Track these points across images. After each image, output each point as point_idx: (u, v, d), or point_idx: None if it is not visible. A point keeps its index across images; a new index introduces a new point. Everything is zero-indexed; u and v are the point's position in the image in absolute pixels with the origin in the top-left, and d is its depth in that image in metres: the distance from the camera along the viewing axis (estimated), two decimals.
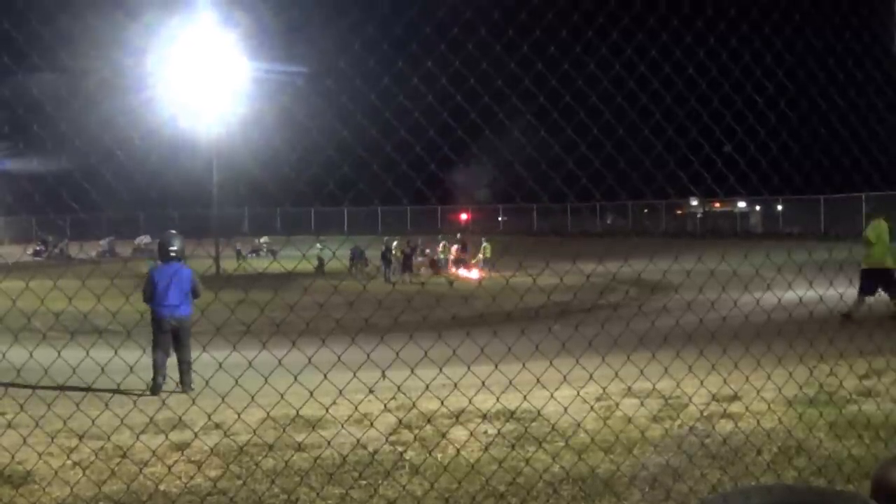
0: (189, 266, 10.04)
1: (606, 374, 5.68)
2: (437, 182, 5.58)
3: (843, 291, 6.22)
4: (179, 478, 5.43)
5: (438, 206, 50.95)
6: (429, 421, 6.42)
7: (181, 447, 5.97)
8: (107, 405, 5.70)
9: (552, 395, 5.87)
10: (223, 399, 5.19)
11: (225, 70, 32.34)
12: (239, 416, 5.36)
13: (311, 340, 5.40)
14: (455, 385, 5.19)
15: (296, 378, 4.88)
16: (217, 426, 6.13)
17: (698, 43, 4.62)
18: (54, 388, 7.00)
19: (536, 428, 6.37)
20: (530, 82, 4.45)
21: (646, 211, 54.27)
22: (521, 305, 6.94)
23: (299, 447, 5.97)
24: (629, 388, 7.02)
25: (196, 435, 6.03)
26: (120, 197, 5.75)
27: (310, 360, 5.00)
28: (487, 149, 6.41)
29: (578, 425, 5.94)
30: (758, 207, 50.06)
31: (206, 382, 5.25)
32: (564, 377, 5.43)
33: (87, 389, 7.19)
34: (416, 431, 6.36)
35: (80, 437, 5.88)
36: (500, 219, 54.24)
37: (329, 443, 5.74)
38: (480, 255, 33.98)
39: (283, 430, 6.13)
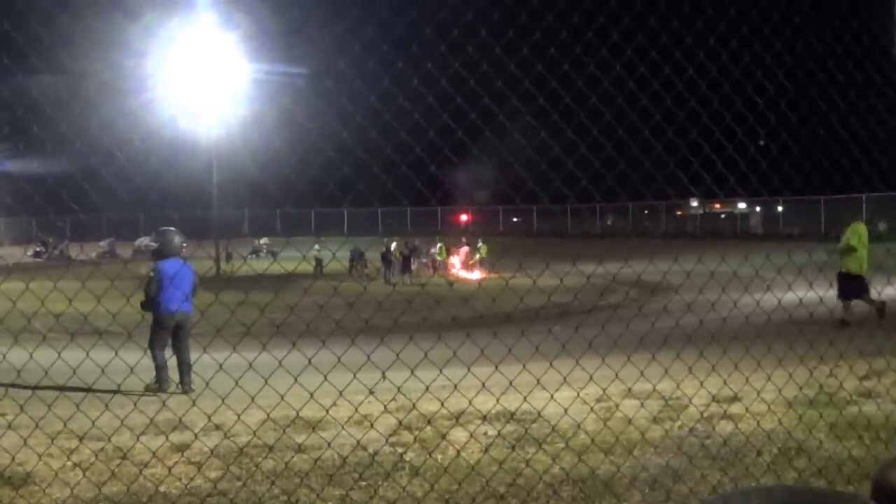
0: (190, 265, 10.01)
1: (606, 375, 5.68)
2: (437, 183, 5.58)
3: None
4: (179, 479, 5.43)
5: (438, 207, 51.00)
6: (429, 422, 6.42)
7: (181, 448, 5.97)
8: (107, 406, 5.70)
9: (552, 397, 5.86)
10: (223, 400, 5.19)
11: (225, 71, 32.35)
12: (239, 418, 5.36)
13: (312, 341, 5.40)
14: (455, 386, 5.19)
15: (296, 379, 4.88)
16: (217, 427, 6.13)
17: (698, 44, 4.63)
18: (54, 389, 7.00)
19: (536, 429, 6.37)
20: (530, 83, 4.45)
21: (646, 212, 54.33)
22: (521, 306, 6.93)
23: (299, 448, 5.96)
24: (629, 390, 7.02)
25: (196, 436, 6.03)
26: (120, 198, 5.76)
27: (310, 361, 5.01)
28: (487, 150, 6.41)
29: (578, 426, 5.94)
30: (758, 208, 50.11)
31: (207, 384, 5.25)
32: (564, 378, 5.42)
33: (88, 390, 7.19)
34: (417, 433, 6.36)
35: (81, 439, 5.88)
36: (514, 220, 54.40)
37: (329, 444, 5.74)
38: (477, 256, 34.08)
39: (284, 432, 6.13)
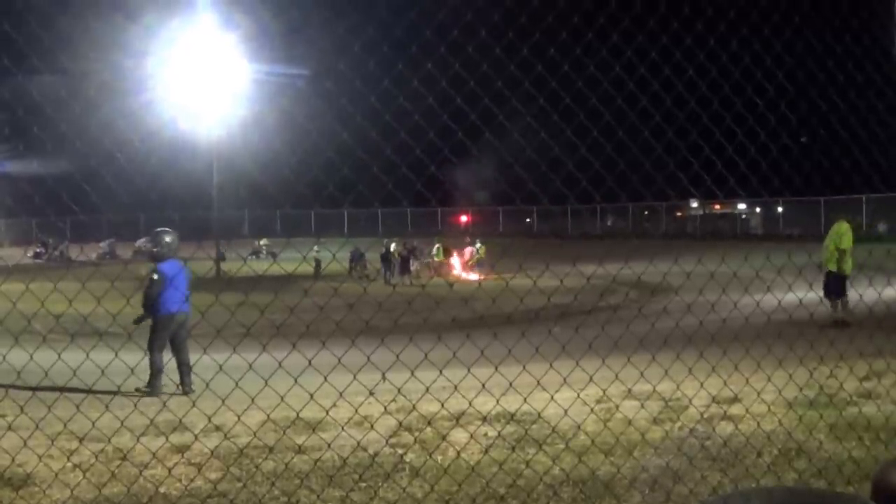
0: (187, 265, 9.99)
1: (607, 376, 5.68)
2: (437, 184, 5.57)
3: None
4: (180, 480, 5.43)
5: (438, 208, 51.02)
6: (429, 423, 6.42)
7: (181, 449, 5.96)
8: (107, 407, 5.70)
9: (552, 398, 5.86)
10: (223, 401, 5.19)
11: (225, 72, 32.34)
12: (239, 419, 5.36)
13: (312, 342, 5.40)
14: (455, 387, 5.19)
15: (296, 380, 4.87)
16: (217, 428, 6.12)
17: (698, 45, 4.62)
18: (54, 391, 7.00)
19: (536, 430, 6.37)
20: (530, 84, 4.45)
21: (646, 213, 54.31)
22: (521, 307, 6.93)
23: (299, 449, 5.96)
24: (629, 390, 7.02)
25: (196, 437, 6.03)
26: (120, 199, 5.75)
27: (310, 362, 5.00)
28: (487, 151, 6.42)
29: (579, 427, 5.94)
30: (758, 209, 50.08)
31: (207, 385, 5.25)
32: (564, 379, 5.42)
33: (88, 391, 7.19)
34: (417, 434, 6.36)
35: (81, 440, 5.88)
36: (527, 220, 54.45)
37: (329, 445, 5.74)
38: (476, 257, 34.12)
39: (284, 433, 6.13)
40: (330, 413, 5.90)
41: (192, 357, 9.15)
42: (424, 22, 4.36)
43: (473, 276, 32.09)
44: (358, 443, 5.75)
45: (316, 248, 28.35)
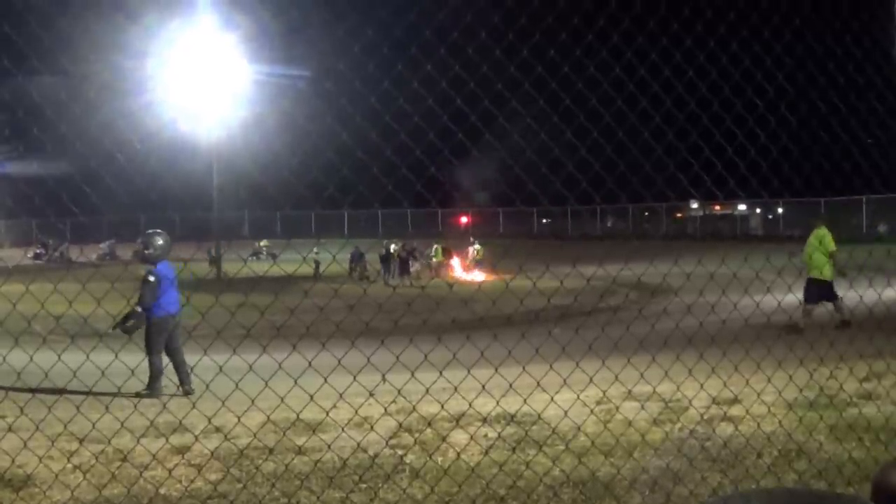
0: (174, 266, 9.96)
1: (607, 377, 5.68)
2: (437, 185, 5.57)
3: (843, 294, 6.21)
4: (180, 481, 5.43)
5: (439, 209, 51.05)
6: (429, 424, 6.42)
7: (181, 451, 5.96)
8: (107, 408, 5.69)
9: (552, 399, 5.86)
10: (223, 403, 5.19)
11: (225, 73, 32.34)
12: (239, 420, 5.36)
13: (312, 344, 5.40)
14: (455, 388, 5.19)
15: (296, 382, 4.87)
16: (217, 430, 6.12)
17: (699, 46, 4.63)
18: (55, 392, 7.00)
19: (537, 431, 6.37)
20: (530, 85, 4.45)
21: (646, 214, 54.33)
22: (521, 309, 6.94)
23: (299, 451, 5.96)
24: (629, 392, 7.02)
25: (196, 438, 6.03)
26: (120, 200, 5.76)
27: (310, 363, 5.00)
28: (488, 152, 6.41)
29: (579, 429, 5.94)
30: (758, 210, 50.09)
31: (207, 386, 5.25)
32: (564, 380, 5.42)
33: (88, 393, 7.18)
34: (417, 435, 6.36)
35: (81, 441, 5.87)
36: (544, 221, 54.43)
37: (329, 446, 5.74)
38: (473, 257, 34.18)
39: (284, 434, 6.13)
40: (330, 414, 5.90)
41: (193, 358, 9.12)
42: (424, 23, 4.37)
43: (473, 277, 32.11)
44: (358, 444, 5.75)
45: (315, 249, 28.38)
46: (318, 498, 5.13)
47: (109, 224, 41.13)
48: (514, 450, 5.83)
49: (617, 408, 6.60)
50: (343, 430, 6.20)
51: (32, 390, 7.31)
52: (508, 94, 4.53)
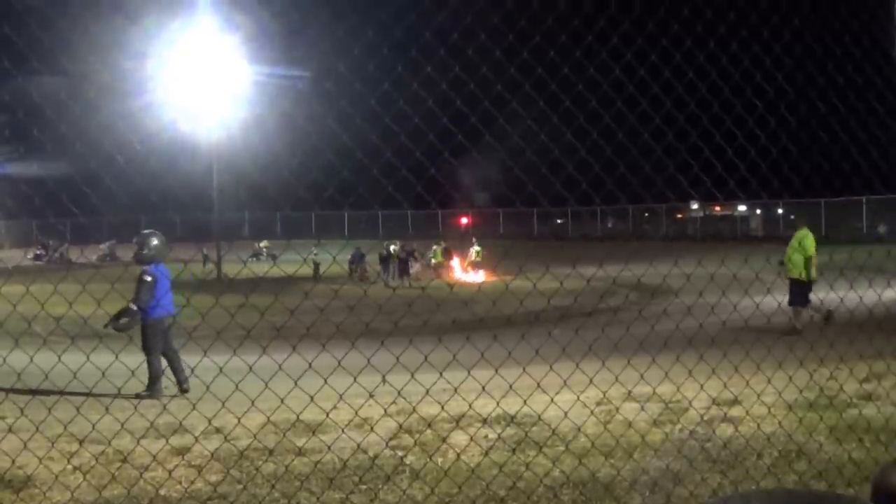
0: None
1: (607, 378, 5.68)
2: (437, 186, 5.57)
3: (844, 295, 6.22)
4: (180, 482, 5.43)
5: (439, 210, 51.07)
6: (429, 425, 6.42)
7: (182, 452, 5.96)
8: (107, 410, 5.69)
9: (552, 400, 5.86)
10: (223, 404, 5.19)
11: (225, 74, 32.34)
12: (239, 421, 5.36)
13: (312, 345, 5.40)
14: (455, 390, 5.19)
15: (296, 383, 4.87)
16: (217, 431, 6.12)
17: (698, 47, 4.63)
18: (55, 393, 7.00)
19: (537, 432, 6.37)
20: (530, 86, 4.45)
21: (646, 215, 54.36)
22: (521, 310, 6.94)
23: (300, 452, 5.96)
24: (629, 393, 7.02)
25: (196, 439, 6.03)
26: (120, 201, 5.75)
27: (310, 364, 5.00)
28: (488, 153, 6.41)
29: (579, 430, 5.94)
30: (758, 211, 50.11)
31: (207, 387, 5.25)
32: (565, 381, 5.42)
33: (88, 394, 7.18)
34: (417, 436, 6.36)
35: (81, 442, 5.87)
36: (558, 222, 54.38)
37: (329, 447, 5.73)
38: (472, 258, 34.21)
39: (284, 435, 6.13)
40: (330, 415, 5.90)
41: (193, 359, 9.12)
42: (424, 24, 4.37)
43: (473, 278, 32.11)
44: (358, 445, 5.75)
45: (315, 250, 28.38)
46: (317, 499, 5.12)
47: (109, 225, 41.11)
48: (514, 451, 5.83)
49: (617, 409, 6.60)
50: (343, 431, 6.20)
51: (32, 391, 7.30)
52: (508, 96, 4.53)
